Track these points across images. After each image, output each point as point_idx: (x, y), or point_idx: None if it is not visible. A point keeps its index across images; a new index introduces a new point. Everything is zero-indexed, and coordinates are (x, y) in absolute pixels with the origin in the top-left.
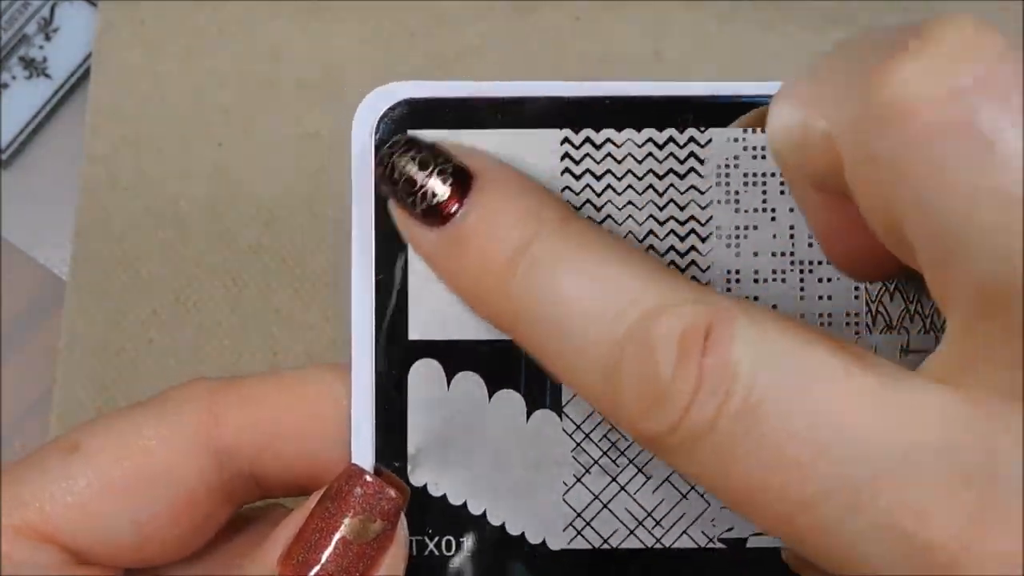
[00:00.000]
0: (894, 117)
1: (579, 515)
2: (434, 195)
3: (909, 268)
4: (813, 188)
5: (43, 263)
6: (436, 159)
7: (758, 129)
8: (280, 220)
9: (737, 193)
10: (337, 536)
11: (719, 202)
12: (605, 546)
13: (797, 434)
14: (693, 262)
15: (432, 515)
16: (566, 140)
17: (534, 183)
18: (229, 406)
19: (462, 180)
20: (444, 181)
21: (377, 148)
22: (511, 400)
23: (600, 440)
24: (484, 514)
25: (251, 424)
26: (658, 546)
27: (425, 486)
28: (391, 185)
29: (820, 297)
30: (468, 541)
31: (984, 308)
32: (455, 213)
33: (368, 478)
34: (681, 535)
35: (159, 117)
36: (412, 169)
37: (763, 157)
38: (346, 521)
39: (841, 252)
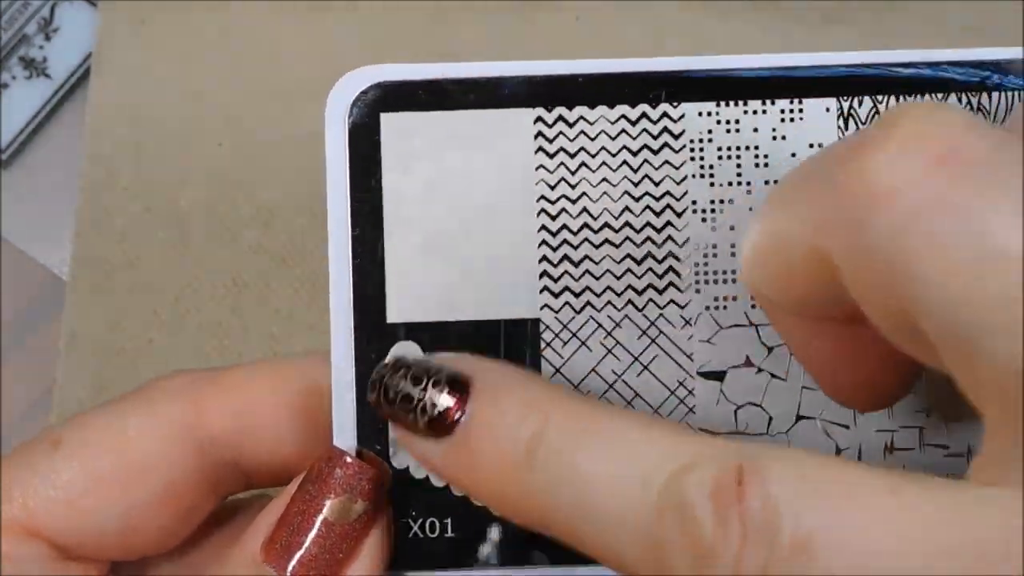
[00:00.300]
0: (876, 206)
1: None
2: (434, 406)
3: (915, 384)
4: (800, 318)
5: (43, 263)
6: (428, 372)
7: (732, 102)
8: (280, 220)
9: (712, 167)
10: (319, 518)
11: (694, 177)
12: None
13: (855, 562)
14: (670, 238)
15: (415, 497)
16: (539, 119)
17: (529, 373)
18: (211, 396)
19: (459, 387)
20: (441, 391)
21: (351, 131)
22: None
23: None
24: (467, 495)
25: (233, 413)
26: None
27: (407, 468)
28: (389, 406)
29: None
30: (451, 522)
31: (1015, 399)
32: (458, 421)
33: (348, 459)
34: None
35: (159, 117)
36: (407, 386)
37: (737, 131)
38: (328, 503)
39: (839, 384)
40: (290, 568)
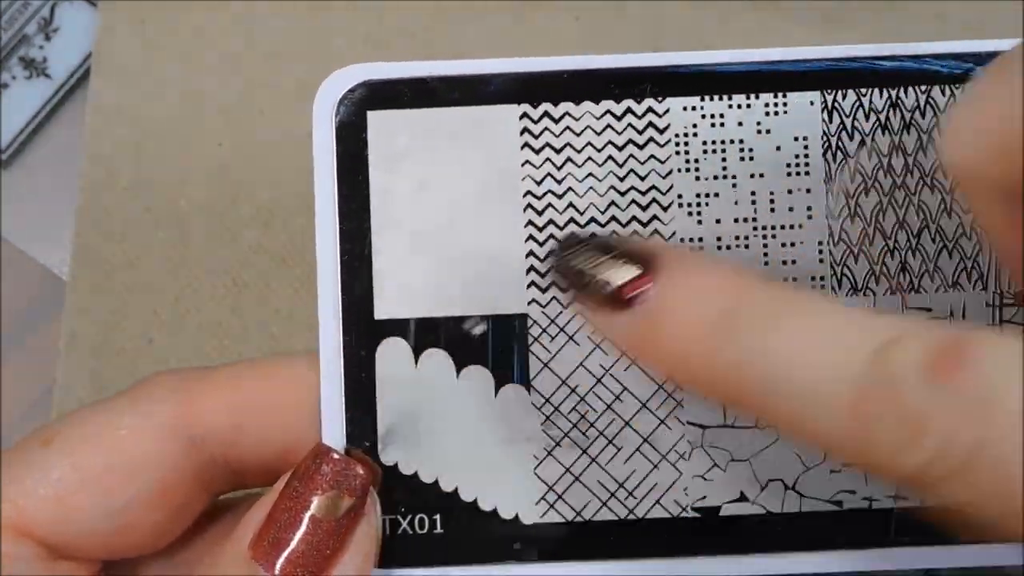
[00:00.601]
0: None
1: (551, 488)
2: (621, 278)
3: None
4: (1008, 204)
5: (43, 263)
6: (613, 247)
7: (716, 97)
8: (280, 220)
9: (697, 161)
10: (307, 515)
11: (679, 171)
12: (578, 519)
13: None
14: (656, 232)
15: (404, 493)
16: (524, 115)
17: (712, 256)
18: (201, 394)
19: (644, 262)
20: (627, 264)
21: (338, 129)
22: (479, 376)
23: (569, 413)
24: (456, 491)
25: (224, 411)
26: (631, 517)
27: (396, 465)
28: (572, 279)
29: (784, 262)
30: (440, 518)
31: None
32: (645, 293)
33: (335, 455)
34: (654, 505)
35: (159, 117)
36: (592, 259)
37: (721, 125)
38: (315, 500)
39: None
40: (278, 565)
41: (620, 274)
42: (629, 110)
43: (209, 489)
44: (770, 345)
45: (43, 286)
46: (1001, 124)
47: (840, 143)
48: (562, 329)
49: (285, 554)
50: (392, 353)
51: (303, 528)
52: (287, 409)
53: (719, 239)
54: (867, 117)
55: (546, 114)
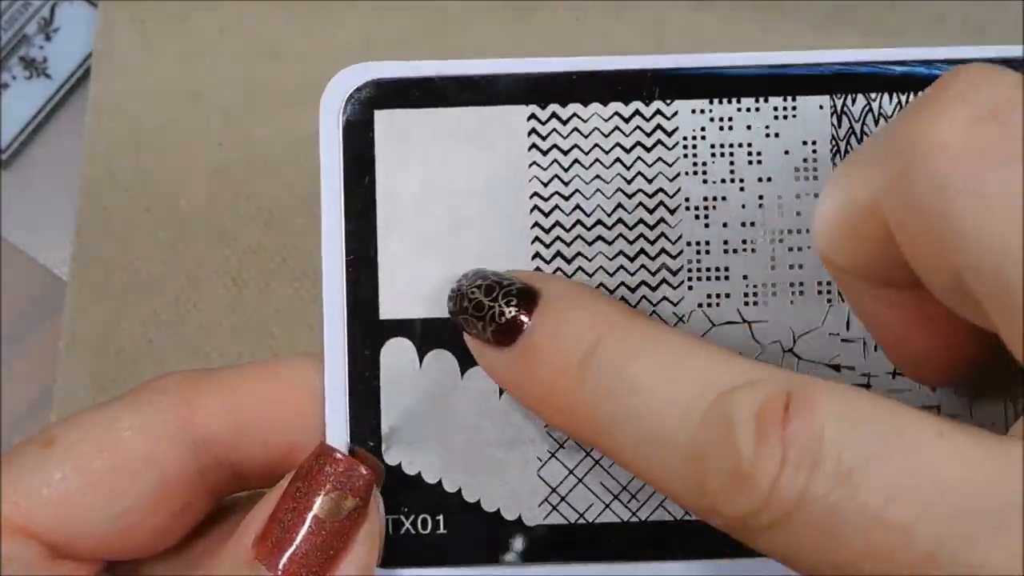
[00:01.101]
0: (924, 159)
1: (554, 490)
2: (502, 315)
3: (984, 356)
4: (868, 286)
5: (43, 263)
6: (501, 284)
7: (725, 100)
8: (280, 220)
9: (704, 164)
10: (310, 515)
11: (687, 174)
12: (581, 520)
13: (897, 497)
14: (663, 235)
15: (407, 493)
16: (532, 116)
17: (597, 292)
18: (204, 395)
19: (528, 298)
20: (510, 302)
21: (345, 128)
22: (484, 377)
23: None
24: (459, 491)
25: (227, 412)
26: (634, 519)
27: (400, 464)
28: (462, 314)
29: (791, 266)
30: (444, 519)
31: None
32: (524, 330)
33: (338, 456)
34: (657, 508)
35: (159, 117)
36: (479, 295)
37: (730, 128)
38: (318, 500)
39: (907, 354)
40: (281, 565)
41: (506, 309)
42: (637, 112)
43: (212, 491)
44: (623, 385)
45: (43, 286)
46: (841, 212)
47: (849, 148)
48: None
49: (288, 554)
50: (397, 353)
51: (306, 528)
52: (290, 411)
53: (726, 243)
54: (876, 122)
55: (554, 115)
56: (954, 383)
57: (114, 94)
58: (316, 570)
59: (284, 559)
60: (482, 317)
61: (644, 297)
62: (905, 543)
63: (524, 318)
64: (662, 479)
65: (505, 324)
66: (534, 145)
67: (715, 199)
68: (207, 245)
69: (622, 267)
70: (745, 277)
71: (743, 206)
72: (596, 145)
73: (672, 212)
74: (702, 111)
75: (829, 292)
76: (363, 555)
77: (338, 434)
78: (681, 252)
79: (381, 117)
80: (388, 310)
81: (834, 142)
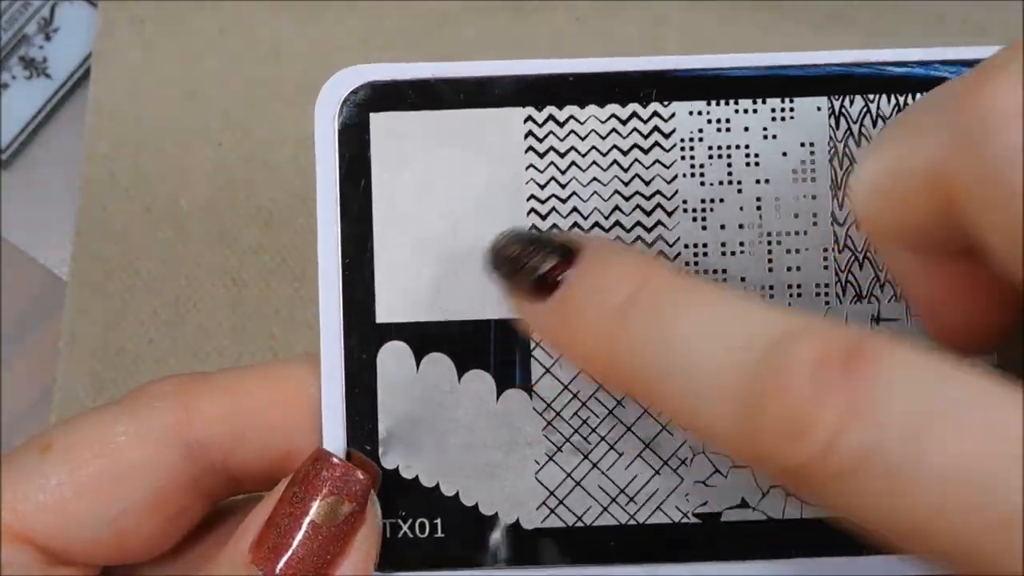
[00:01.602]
0: (997, 128)
1: (552, 493)
2: (543, 264)
3: (1015, 329)
4: (913, 253)
5: (43, 263)
6: (540, 240)
7: (722, 101)
8: (280, 220)
9: (702, 166)
10: (307, 520)
11: (684, 176)
12: (579, 524)
13: (976, 456)
14: (660, 237)
15: (404, 497)
16: (529, 118)
17: (636, 248)
18: (201, 399)
19: (566, 253)
20: (549, 255)
21: (340, 131)
22: (481, 380)
23: (571, 418)
24: (457, 495)
25: (223, 417)
26: (632, 522)
27: (397, 468)
28: (500, 267)
29: (789, 268)
30: (441, 523)
31: None
32: (563, 280)
33: (335, 460)
34: (655, 510)
35: (159, 117)
36: (518, 249)
37: (728, 130)
38: (315, 505)
39: (946, 323)
40: (278, 569)
41: (545, 263)
42: (634, 114)
43: (208, 495)
44: (667, 331)
45: (43, 286)
46: (888, 178)
47: (847, 149)
48: None
49: (285, 558)
50: (394, 357)
51: (302, 533)
52: (287, 415)
53: (723, 245)
54: (875, 123)
55: (551, 117)
56: (982, 353)
57: (114, 94)
58: (313, 574)
59: (281, 564)
60: (520, 270)
61: None
62: (980, 503)
63: (562, 269)
64: (713, 429)
65: (545, 275)
66: (531, 147)
67: (713, 201)
68: (207, 245)
69: None
70: (743, 279)
71: (741, 208)
72: (593, 147)
73: (670, 214)
74: (699, 113)
75: (827, 294)
76: (360, 559)
77: (335, 438)
78: (679, 254)
79: (377, 120)
80: (385, 314)
81: (832, 143)
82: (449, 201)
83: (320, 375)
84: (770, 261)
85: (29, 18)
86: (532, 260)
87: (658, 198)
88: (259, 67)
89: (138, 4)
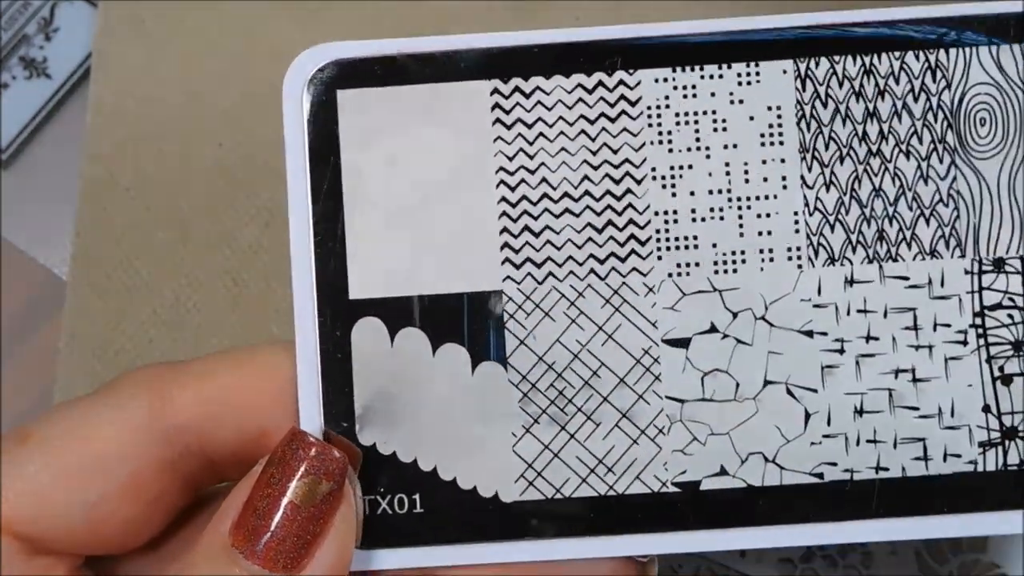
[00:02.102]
0: None
1: (530, 466)
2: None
3: None
4: None
5: (43, 263)
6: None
7: (688, 68)
8: (280, 220)
9: (670, 133)
10: (285, 501)
11: (652, 144)
12: (558, 496)
13: None
14: (630, 205)
15: (382, 474)
16: (495, 91)
17: None
18: (178, 385)
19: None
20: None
21: (308, 109)
22: (456, 354)
23: (547, 389)
24: (435, 470)
25: (197, 404)
26: (611, 493)
27: (374, 445)
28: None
29: (760, 233)
30: (420, 498)
31: None
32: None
33: (311, 440)
34: (634, 480)
35: (159, 117)
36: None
37: (694, 96)
38: (292, 485)
39: None
40: (258, 551)
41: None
42: (600, 83)
43: (186, 482)
44: None
45: (43, 286)
46: None
47: (814, 111)
48: (538, 305)
49: (264, 540)
50: (368, 333)
51: (281, 513)
52: (263, 400)
53: (693, 211)
54: (840, 84)
55: (517, 89)
56: None
57: (114, 94)
58: (293, 555)
59: (260, 545)
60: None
61: (614, 269)
62: None
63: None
64: None
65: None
66: (498, 120)
67: (681, 168)
68: (207, 245)
69: (591, 239)
70: (714, 245)
71: (710, 174)
72: (560, 118)
73: (639, 182)
74: (665, 80)
75: (799, 258)
76: (340, 539)
77: (311, 417)
78: (649, 222)
79: (344, 96)
80: (357, 290)
81: (799, 106)
82: (419, 176)
83: (293, 356)
84: (741, 226)
85: (29, 18)
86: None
87: (627, 166)
88: (259, 67)
89: (138, 4)
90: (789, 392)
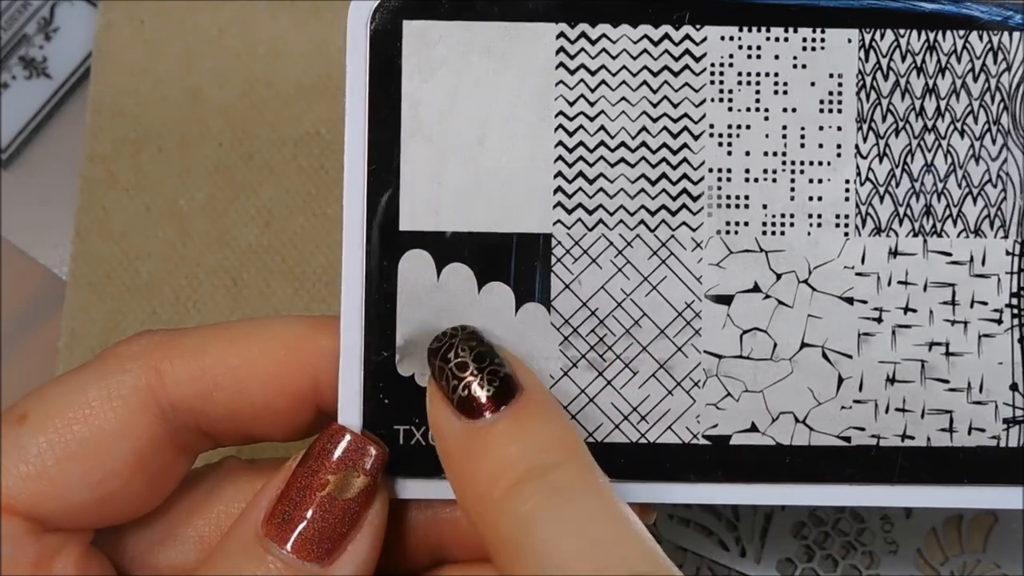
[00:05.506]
0: None
1: (565, 408)
2: (479, 388)
3: None
4: None
5: (43, 263)
6: (493, 358)
7: (754, 28)
8: (280, 220)
9: (731, 92)
10: (321, 493)
11: (712, 101)
12: (590, 439)
13: None
14: (685, 160)
15: (418, 405)
16: (561, 35)
17: (568, 416)
18: (171, 359)
19: (507, 388)
20: (491, 380)
21: (372, 37)
22: (500, 292)
23: (588, 335)
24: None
25: (191, 379)
26: (643, 441)
27: (412, 376)
28: (441, 363)
29: (811, 198)
30: None
31: None
32: (487, 413)
33: (349, 435)
34: (666, 430)
35: (159, 117)
36: (466, 357)
37: (758, 57)
38: (329, 478)
39: None
40: (290, 542)
41: (481, 389)
42: (667, 36)
43: (186, 451)
44: (558, 522)
45: (43, 286)
46: None
47: (875, 83)
48: (585, 251)
49: (297, 531)
50: (415, 265)
51: (315, 506)
52: (257, 372)
53: (747, 171)
54: (903, 58)
55: (583, 35)
56: None
57: (114, 94)
58: (326, 547)
59: (293, 537)
60: (458, 378)
61: (664, 222)
62: None
63: (494, 404)
64: None
65: (475, 398)
66: (562, 64)
67: (739, 127)
68: (207, 245)
69: (643, 190)
70: (764, 206)
71: (767, 136)
72: (624, 67)
73: (696, 138)
74: (731, 38)
75: (846, 225)
76: (371, 535)
77: (352, 347)
78: (703, 178)
79: (410, 27)
80: (408, 221)
81: (860, 76)
82: (478, 112)
83: (289, 334)
84: (792, 190)
85: (29, 18)
86: (472, 378)
87: (685, 121)
88: (259, 67)
89: (138, 4)
90: (825, 356)
